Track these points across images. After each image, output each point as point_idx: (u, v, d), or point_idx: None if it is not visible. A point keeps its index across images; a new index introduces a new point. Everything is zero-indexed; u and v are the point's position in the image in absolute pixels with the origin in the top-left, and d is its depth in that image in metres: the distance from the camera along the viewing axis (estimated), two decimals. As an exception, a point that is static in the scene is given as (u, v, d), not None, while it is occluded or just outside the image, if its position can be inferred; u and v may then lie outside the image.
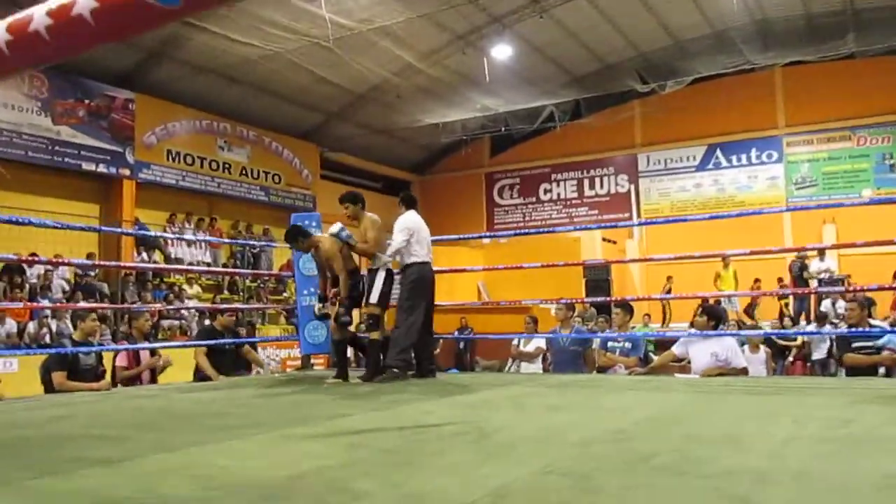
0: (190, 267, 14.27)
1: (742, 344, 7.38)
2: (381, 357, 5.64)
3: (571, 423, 3.35)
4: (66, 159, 13.27)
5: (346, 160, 19.67)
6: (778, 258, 15.15)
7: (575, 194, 21.12)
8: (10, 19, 0.80)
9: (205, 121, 15.94)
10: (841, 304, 13.55)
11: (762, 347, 8.29)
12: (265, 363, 8.83)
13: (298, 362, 8.11)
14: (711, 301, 10.05)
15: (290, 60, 14.54)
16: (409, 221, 5.73)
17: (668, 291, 16.10)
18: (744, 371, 6.06)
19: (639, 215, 19.73)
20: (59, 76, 13.06)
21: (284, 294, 16.11)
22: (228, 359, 6.78)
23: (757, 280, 15.06)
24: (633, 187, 20.23)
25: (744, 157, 19.17)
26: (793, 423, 3.18)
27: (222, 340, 6.67)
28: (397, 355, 5.48)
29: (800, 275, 14.77)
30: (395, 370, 5.41)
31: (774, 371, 10.64)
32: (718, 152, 19.41)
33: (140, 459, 2.51)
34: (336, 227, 5.58)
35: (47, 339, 10.96)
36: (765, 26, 15.96)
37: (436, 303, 5.99)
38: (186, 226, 15.25)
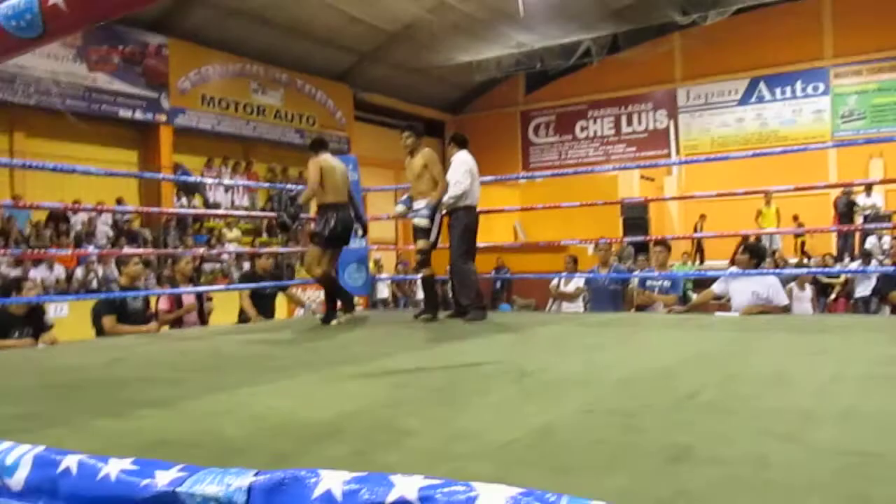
0: (229, 212, 14.44)
1: (787, 282, 7.30)
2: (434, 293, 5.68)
3: (613, 361, 3.37)
4: (103, 106, 13.39)
5: (380, 101, 19.53)
6: (822, 194, 14.80)
7: (612, 131, 20.75)
8: None
9: (238, 64, 15.90)
10: (887, 240, 13.27)
11: (808, 286, 8.20)
12: (307, 303, 8.99)
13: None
14: (752, 238, 9.90)
15: (321, 0, 14.35)
16: (470, 163, 5.63)
17: (699, 230, 15.92)
18: (785, 309, 6.01)
19: (678, 152, 19.35)
20: (93, 22, 13.06)
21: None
22: (269, 301, 6.94)
23: (795, 217, 14.83)
24: (672, 123, 19.79)
25: (788, 89, 18.55)
26: (838, 362, 3.15)
27: (263, 283, 6.80)
28: (476, 299, 5.53)
29: (846, 211, 14.42)
30: (479, 312, 5.44)
31: (816, 308, 10.52)
32: (762, 85, 18.82)
33: (194, 400, 2.59)
34: (416, 210, 5.43)
35: (94, 283, 11.26)
36: (813, -50, 15.27)
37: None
38: (223, 170, 15.38)
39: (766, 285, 5.81)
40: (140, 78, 13.98)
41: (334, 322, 5.42)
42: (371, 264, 7.95)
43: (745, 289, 5.84)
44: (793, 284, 8.15)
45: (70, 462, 0.73)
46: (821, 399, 2.34)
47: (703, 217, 16.41)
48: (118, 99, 13.60)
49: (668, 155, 19.24)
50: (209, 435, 2.02)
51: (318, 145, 5.61)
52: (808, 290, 8.15)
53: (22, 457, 0.77)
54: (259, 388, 2.84)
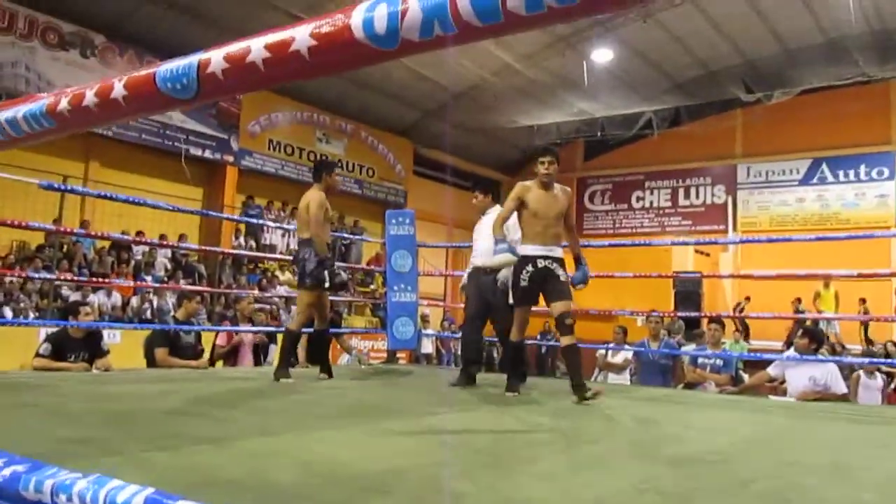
0: (287, 257, 14.69)
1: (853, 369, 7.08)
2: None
3: (664, 438, 3.29)
4: (175, 143, 13.88)
5: (439, 157, 19.81)
6: (884, 280, 14.39)
7: (668, 203, 20.61)
8: (228, 49, 0.85)
9: (306, 112, 16.40)
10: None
11: (878, 375, 7.94)
12: (353, 351, 9.02)
13: (384, 355, 8.26)
14: (809, 321, 9.66)
15: (391, 57, 14.75)
16: None
17: (741, 311, 15.69)
18: (843, 397, 5.80)
19: (735, 228, 19.09)
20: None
21: (371, 286, 16.37)
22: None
23: (863, 300, 14.39)
24: (730, 199, 19.58)
25: (851, 172, 18.25)
26: (902, 459, 3.02)
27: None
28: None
29: (909, 299, 13.98)
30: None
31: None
32: (824, 167, 18.55)
33: (242, 441, 2.61)
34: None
35: (148, 314, 11.52)
36: (884, 37, 15.13)
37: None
38: (282, 214, 15.72)
39: (824, 371, 5.64)
40: (212, 119, 14.50)
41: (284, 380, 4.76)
42: (419, 319, 7.97)
43: (802, 374, 5.68)
44: (860, 372, 7.91)
45: (182, 507, 0.76)
46: (885, 496, 2.24)
47: (747, 299, 16.20)
48: (190, 137, 14.10)
49: (725, 230, 19.00)
50: (258, 478, 2.03)
51: (322, 170, 5.39)
52: (879, 379, 7.87)
53: (134, 496, 0.79)
54: (306, 435, 2.85)
